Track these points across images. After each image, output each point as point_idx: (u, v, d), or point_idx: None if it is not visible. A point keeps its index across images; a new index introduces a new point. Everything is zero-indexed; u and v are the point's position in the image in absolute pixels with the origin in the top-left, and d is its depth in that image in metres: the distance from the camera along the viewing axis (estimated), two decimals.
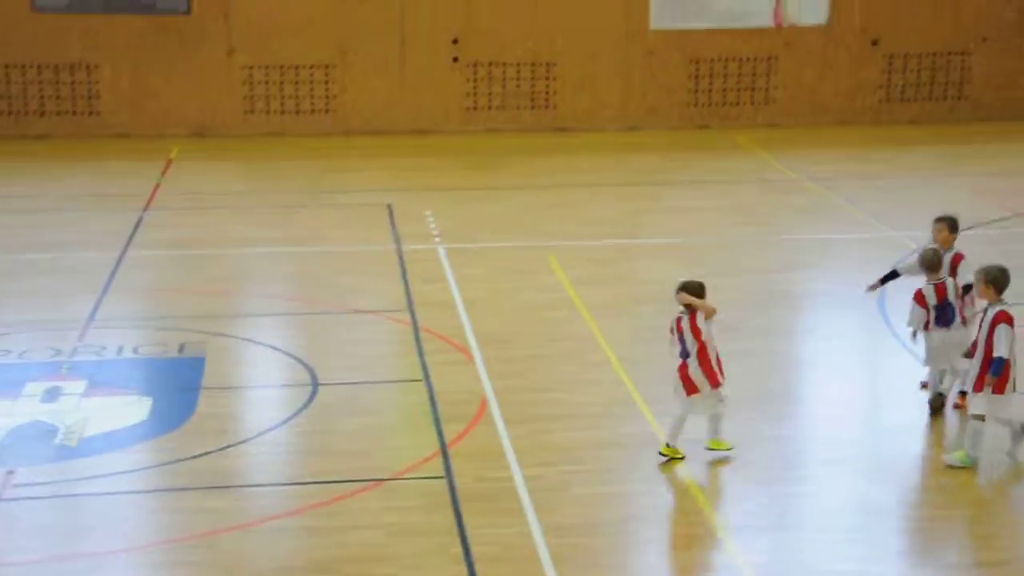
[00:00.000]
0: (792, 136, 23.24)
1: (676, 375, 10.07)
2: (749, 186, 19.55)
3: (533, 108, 23.78)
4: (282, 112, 23.40)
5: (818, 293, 14.56)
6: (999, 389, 9.69)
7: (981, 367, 9.78)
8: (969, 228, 10.91)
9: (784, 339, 12.96)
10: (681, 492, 9.61)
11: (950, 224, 11.12)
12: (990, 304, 9.91)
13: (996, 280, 9.88)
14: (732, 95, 23.99)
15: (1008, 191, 18.87)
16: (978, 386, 9.79)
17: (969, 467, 9.82)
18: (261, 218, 17.77)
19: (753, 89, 24.02)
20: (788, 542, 9.05)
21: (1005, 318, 9.76)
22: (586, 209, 18.13)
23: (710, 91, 23.97)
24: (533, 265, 15.38)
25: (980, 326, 9.94)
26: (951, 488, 9.86)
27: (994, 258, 10.59)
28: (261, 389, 11.90)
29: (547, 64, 23.64)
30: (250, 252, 16.13)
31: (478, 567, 8.51)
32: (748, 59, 23.88)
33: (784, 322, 13.46)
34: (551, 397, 11.39)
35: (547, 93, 23.75)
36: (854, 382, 11.95)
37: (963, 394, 10.81)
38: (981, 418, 9.81)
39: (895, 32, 23.99)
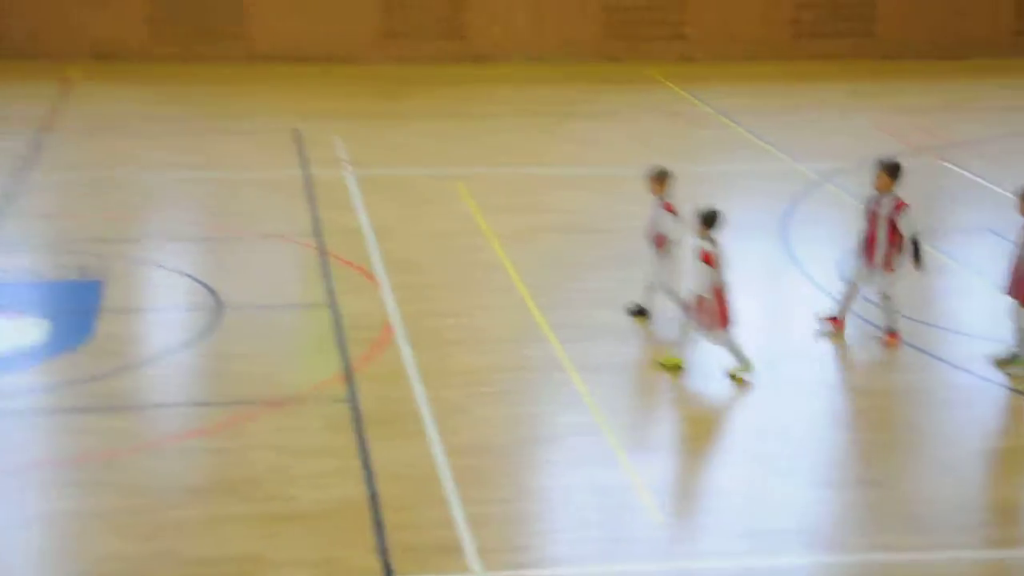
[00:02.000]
0: (703, 71, 23.33)
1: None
2: (659, 118, 19.64)
3: (445, 38, 23.58)
4: (188, 36, 22.91)
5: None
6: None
7: None
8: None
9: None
10: (581, 414, 9.73)
11: (890, 170, 10.78)
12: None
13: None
14: (645, 29, 24.00)
15: (909, 127, 19.20)
16: None
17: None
18: (167, 143, 17.46)
19: (665, 23, 24.05)
20: (686, 463, 9.23)
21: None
22: (496, 139, 18.10)
23: (623, 23, 23.96)
24: (442, 193, 15.35)
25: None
26: (848, 408, 10.15)
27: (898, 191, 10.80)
28: (163, 312, 11.78)
29: None
30: (155, 177, 15.87)
31: (380, 486, 8.57)
32: None
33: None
34: (457, 322, 11.44)
35: (459, 23, 23.55)
36: (756, 309, 12.13)
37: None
38: None
39: None
